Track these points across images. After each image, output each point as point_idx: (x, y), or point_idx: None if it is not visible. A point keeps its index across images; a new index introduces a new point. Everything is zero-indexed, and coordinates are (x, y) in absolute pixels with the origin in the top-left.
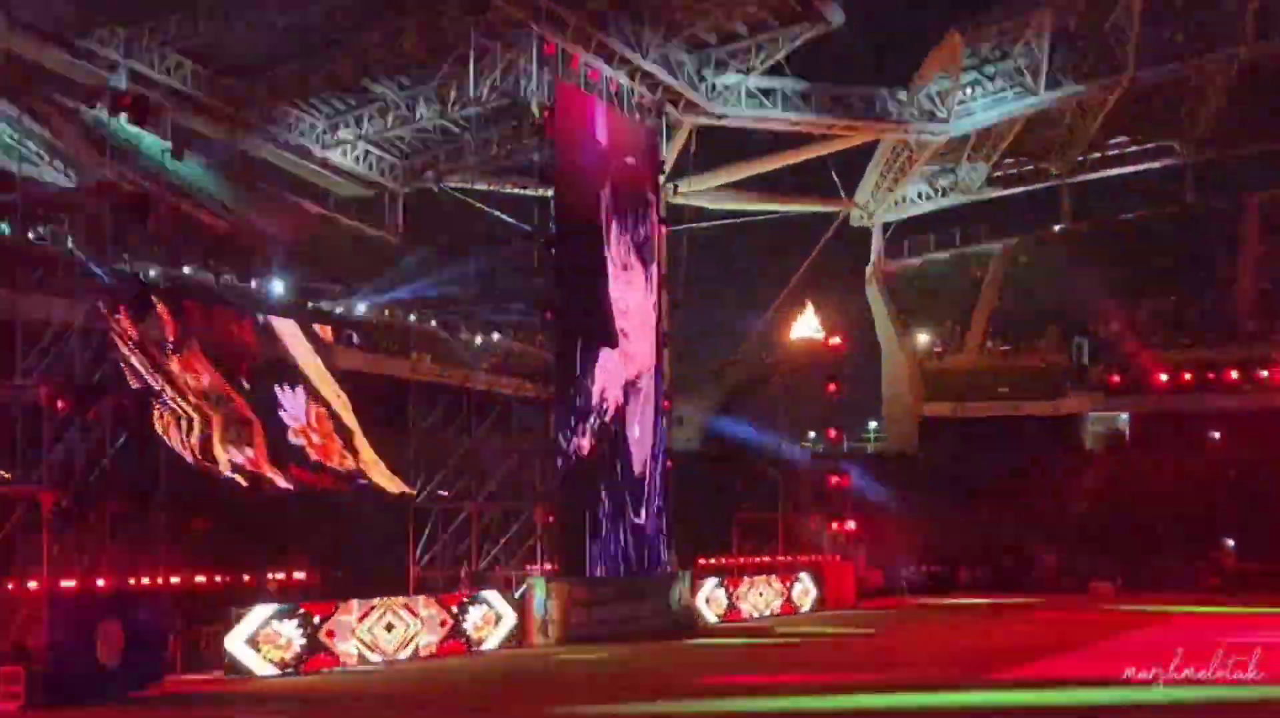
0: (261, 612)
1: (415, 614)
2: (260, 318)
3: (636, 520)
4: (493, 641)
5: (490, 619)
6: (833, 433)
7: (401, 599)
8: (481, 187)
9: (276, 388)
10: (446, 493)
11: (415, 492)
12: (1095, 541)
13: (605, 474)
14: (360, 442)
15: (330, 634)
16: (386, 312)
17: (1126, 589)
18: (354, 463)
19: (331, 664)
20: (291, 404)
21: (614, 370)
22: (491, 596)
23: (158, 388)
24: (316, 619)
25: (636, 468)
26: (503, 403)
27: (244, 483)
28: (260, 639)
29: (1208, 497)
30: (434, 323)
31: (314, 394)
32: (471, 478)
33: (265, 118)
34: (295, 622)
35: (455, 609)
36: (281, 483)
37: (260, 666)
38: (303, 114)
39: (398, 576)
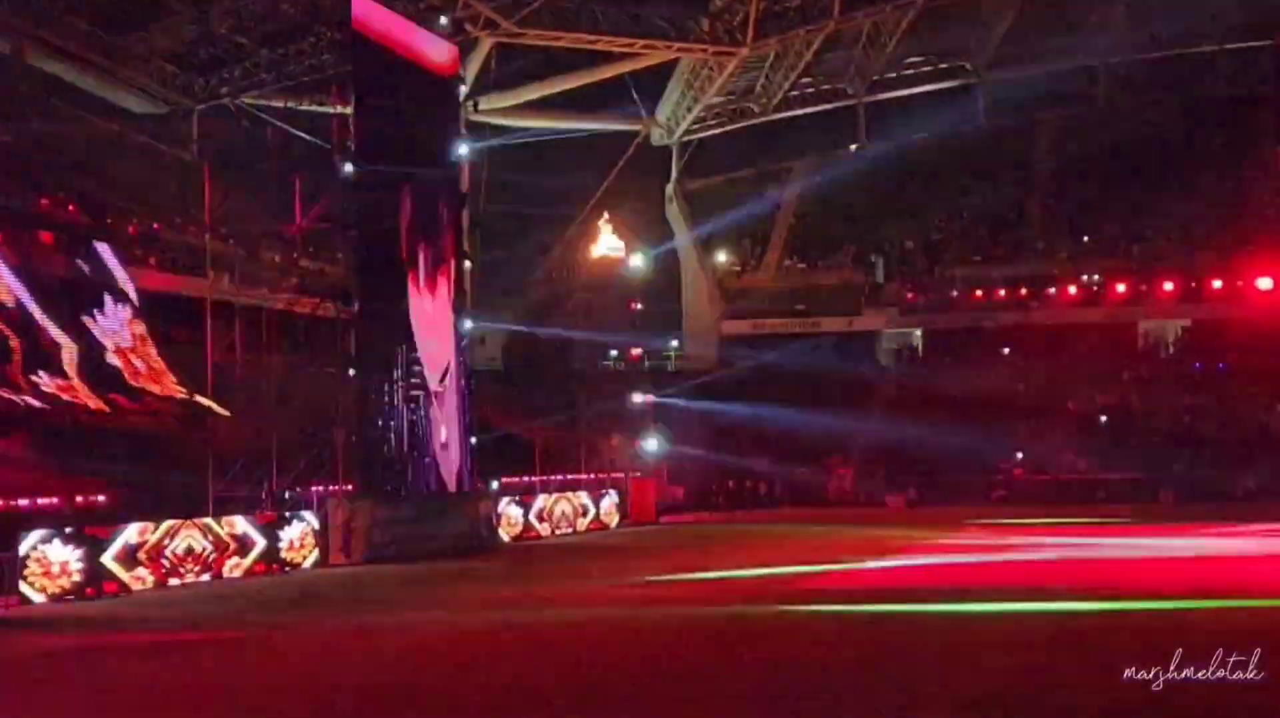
0: (36, 536)
1: (220, 535)
2: (65, 238)
3: (437, 439)
4: (308, 561)
5: (305, 538)
6: (634, 351)
7: (203, 520)
8: (280, 104)
9: (91, 310)
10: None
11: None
12: (890, 454)
13: (405, 393)
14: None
15: (119, 558)
16: (183, 230)
17: (920, 502)
18: (178, 385)
19: (117, 590)
20: (108, 327)
21: (413, 288)
22: (305, 514)
23: None
24: (100, 542)
25: (436, 386)
26: (302, 322)
27: (46, 407)
28: (36, 564)
29: (998, 411)
30: (231, 242)
31: (136, 314)
32: (271, 397)
33: (56, 31)
34: (74, 545)
35: (265, 528)
36: (95, 407)
37: (34, 593)
38: (92, 27)
39: (197, 497)
